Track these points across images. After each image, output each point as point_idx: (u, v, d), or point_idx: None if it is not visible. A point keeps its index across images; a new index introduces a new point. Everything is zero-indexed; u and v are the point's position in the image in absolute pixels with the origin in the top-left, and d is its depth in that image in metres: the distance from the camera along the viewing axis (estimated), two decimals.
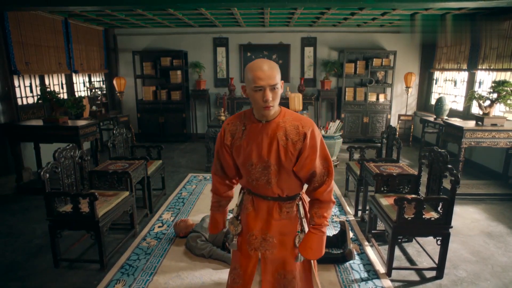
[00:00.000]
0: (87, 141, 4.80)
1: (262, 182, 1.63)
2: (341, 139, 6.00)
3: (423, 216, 2.62)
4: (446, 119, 5.64)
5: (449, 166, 2.63)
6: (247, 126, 1.63)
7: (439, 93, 7.32)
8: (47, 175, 2.63)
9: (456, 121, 4.87)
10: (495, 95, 4.36)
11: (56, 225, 2.77)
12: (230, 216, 1.93)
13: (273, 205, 1.68)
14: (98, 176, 3.36)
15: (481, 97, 4.50)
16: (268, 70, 1.47)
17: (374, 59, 7.43)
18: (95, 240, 2.79)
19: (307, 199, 1.79)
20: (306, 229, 1.71)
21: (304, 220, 1.72)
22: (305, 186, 1.75)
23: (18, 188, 4.74)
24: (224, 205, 1.87)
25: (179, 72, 7.65)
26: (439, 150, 2.82)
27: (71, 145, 2.99)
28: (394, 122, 7.90)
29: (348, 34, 7.75)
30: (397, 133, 7.61)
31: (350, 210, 4.11)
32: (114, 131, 4.09)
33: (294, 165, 1.60)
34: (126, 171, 3.34)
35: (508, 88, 4.23)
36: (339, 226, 3.53)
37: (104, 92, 7.71)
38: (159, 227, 3.67)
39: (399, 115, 7.71)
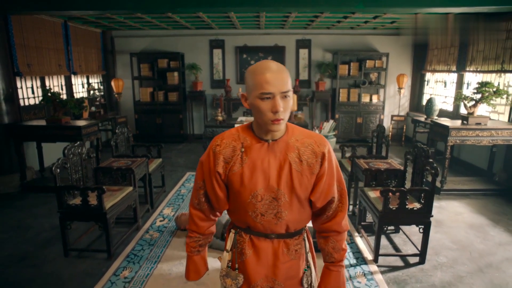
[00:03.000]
0: (88, 141, 4.98)
1: (269, 217, 1.31)
2: (335, 139, 6.22)
3: (407, 206, 2.85)
4: (435, 119, 5.86)
5: (430, 160, 2.86)
6: (247, 147, 1.30)
7: (431, 94, 7.56)
8: (58, 170, 2.82)
9: (444, 121, 5.10)
10: (479, 96, 4.60)
11: (66, 217, 2.97)
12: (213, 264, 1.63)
13: (279, 245, 1.36)
14: (103, 172, 3.55)
15: (465, 98, 4.73)
16: (279, 72, 1.20)
17: (367, 61, 7.64)
18: (103, 230, 2.99)
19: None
20: (311, 264, 1.48)
21: (309, 254, 1.47)
22: None
23: (22, 186, 4.89)
24: (204, 244, 1.51)
25: (176, 73, 7.81)
26: (422, 146, 3.05)
27: (78, 142, 3.18)
28: (387, 123, 8.12)
29: (342, 36, 7.97)
30: (390, 133, 7.88)
31: None
32: (117, 131, 4.29)
33: (310, 192, 1.33)
34: (130, 168, 3.53)
35: (491, 89, 4.46)
36: None
37: (102, 93, 7.87)
38: (160, 221, 3.87)
39: (392, 116, 7.94)
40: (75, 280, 2.77)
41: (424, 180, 3.05)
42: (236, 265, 1.40)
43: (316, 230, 1.46)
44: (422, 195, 2.86)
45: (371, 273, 2.85)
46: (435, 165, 2.79)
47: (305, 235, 1.45)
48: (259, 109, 1.22)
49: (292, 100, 1.25)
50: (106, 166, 3.68)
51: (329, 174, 1.33)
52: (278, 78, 1.19)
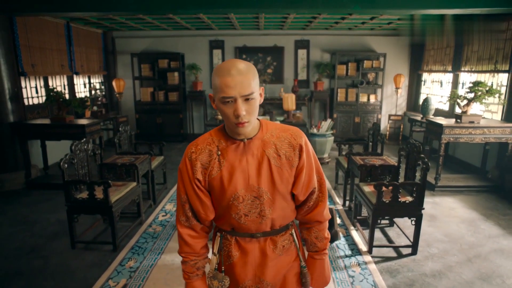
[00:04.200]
0: (91, 139, 5.09)
1: (253, 217, 1.29)
2: (332, 137, 6.34)
3: (399, 200, 2.98)
4: (431, 118, 5.98)
5: (422, 155, 2.99)
6: (223, 149, 1.28)
7: (427, 94, 7.69)
8: (66, 165, 2.94)
9: (439, 120, 5.22)
10: (472, 95, 4.73)
11: (73, 210, 3.10)
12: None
13: (265, 243, 1.35)
14: (108, 168, 3.67)
15: (459, 97, 4.87)
16: (240, 74, 1.14)
17: (365, 61, 7.76)
18: (109, 223, 3.12)
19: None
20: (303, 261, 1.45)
21: (300, 252, 1.44)
22: None
23: (27, 183, 5.01)
24: (202, 267, 1.40)
25: (176, 73, 7.93)
26: (414, 142, 3.18)
27: (84, 139, 3.31)
28: (384, 122, 8.26)
29: (340, 37, 8.10)
30: (387, 132, 8.01)
31: (339, 200, 4.47)
32: (120, 129, 4.42)
33: (291, 186, 1.32)
34: (133, 164, 3.66)
35: (483, 89, 4.60)
36: None
37: (104, 93, 8.00)
38: (163, 216, 4.00)
39: (389, 115, 8.07)
40: (82, 270, 2.90)
41: (419, 176, 3.18)
42: (223, 267, 1.38)
43: (299, 222, 1.47)
44: (414, 188, 2.99)
45: (365, 263, 2.99)
46: (426, 160, 2.92)
47: (293, 230, 1.42)
48: (223, 113, 1.20)
49: (258, 101, 1.22)
50: (110, 162, 3.80)
51: (308, 165, 1.32)
52: (239, 81, 1.14)
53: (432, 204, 4.31)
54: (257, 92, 1.21)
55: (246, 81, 1.15)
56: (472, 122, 4.70)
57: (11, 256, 3.12)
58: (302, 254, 1.45)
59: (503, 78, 5.25)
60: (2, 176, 4.87)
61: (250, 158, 1.27)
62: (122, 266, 2.92)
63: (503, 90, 5.14)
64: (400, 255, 3.13)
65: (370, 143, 4.68)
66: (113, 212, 3.06)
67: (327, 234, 1.44)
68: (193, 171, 1.27)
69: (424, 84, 7.96)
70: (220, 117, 6.30)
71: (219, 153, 1.27)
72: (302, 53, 8.23)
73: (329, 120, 6.30)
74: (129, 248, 3.23)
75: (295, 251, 1.42)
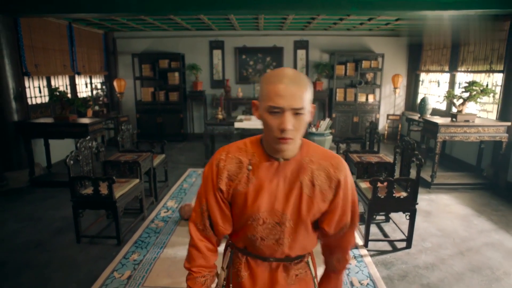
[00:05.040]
0: (94, 137, 5.18)
1: (269, 243, 1.19)
2: (331, 136, 6.44)
3: (394, 195, 3.09)
4: (428, 117, 6.08)
5: (416, 152, 3.10)
6: (254, 165, 1.17)
7: (425, 94, 7.79)
8: (71, 162, 3.04)
9: (435, 119, 5.32)
10: (467, 94, 4.83)
11: (78, 205, 3.20)
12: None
13: (277, 268, 1.24)
14: (111, 165, 3.78)
15: (454, 96, 4.97)
16: (294, 84, 1.03)
17: (363, 61, 7.85)
18: (113, 218, 3.22)
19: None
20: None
21: (315, 279, 1.33)
22: None
23: (31, 181, 5.11)
24: (211, 283, 1.29)
25: (176, 74, 8.02)
26: (409, 139, 3.29)
27: (89, 137, 3.41)
28: (383, 122, 8.36)
29: (339, 37, 8.19)
30: (386, 132, 8.11)
31: None
32: (123, 127, 4.52)
33: (317, 217, 1.21)
34: (136, 161, 3.76)
35: (478, 88, 4.70)
36: None
37: (105, 93, 8.10)
38: (164, 212, 4.10)
39: (388, 115, 8.17)
40: (88, 262, 3.00)
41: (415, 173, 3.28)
42: (231, 285, 1.29)
43: (321, 244, 1.37)
44: (408, 184, 3.09)
45: (361, 256, 3.10)
46: (420, 156, 3.02)
47: (309, 258, 1.31)
48: (266, 124, 1.08)
49: (308, 117, 1.09)
50: (114, 159, 3.90)
51: (344, 202, 1.20)
52: (292, 91, 1.03)
53: (427, 201, 4.42)
54: (308, 108, 1.09)
55: (299, 93, 1.04)
56: (467, 121, 4.80)
57: (19, 250, 3.22)
58: (317, 280, 1.36)
59: (498, 78, 5.35)
60: (6, 174, 4.97)
61: (282, 181, 1.16)
62: (126, 259, 3.03)
63: (498, 89, 5.24)
64: (395, 249, 3.24)
65: (368, 142, 4.78)
66: (117, 207, 3.16)
67: (349, 256, 1.33)
68: (217, 180, 1.18)
69: (421, 84, 8.06)
70: (220, 116, 6.40)
71: (250, 167, 1.17)
72: (301, 53, 8.33)
73: (327, 120, 6.40)
74: (132, 242, 3.34)
75: (311, 281, 1.30)
